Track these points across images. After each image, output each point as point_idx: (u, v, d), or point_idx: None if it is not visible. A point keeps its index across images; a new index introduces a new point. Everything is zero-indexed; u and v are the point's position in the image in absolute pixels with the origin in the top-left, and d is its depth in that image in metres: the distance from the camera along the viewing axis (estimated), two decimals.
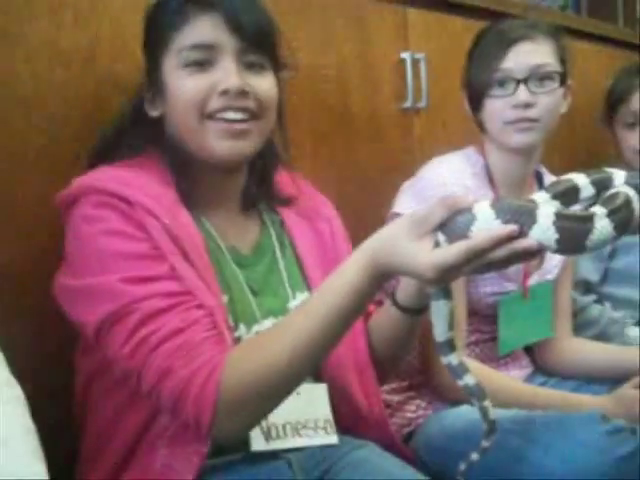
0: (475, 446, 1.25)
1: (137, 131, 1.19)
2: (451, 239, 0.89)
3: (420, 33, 1.98)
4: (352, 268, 0.98)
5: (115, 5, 1.36)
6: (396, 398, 1.55)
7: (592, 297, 1.91)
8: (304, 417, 1.16)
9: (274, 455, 1.14)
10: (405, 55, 1.92)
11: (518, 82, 1.52)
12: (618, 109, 1.98)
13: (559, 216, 0.85)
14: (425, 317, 1.18)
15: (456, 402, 1.46)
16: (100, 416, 1.12)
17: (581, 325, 1.84)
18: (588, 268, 1.90)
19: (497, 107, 1.53)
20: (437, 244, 0.91)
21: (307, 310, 1.01)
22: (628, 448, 1.21)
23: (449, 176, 1.52)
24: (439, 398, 1.50)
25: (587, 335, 1.81)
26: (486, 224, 0.87)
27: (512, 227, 0.86)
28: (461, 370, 1.03)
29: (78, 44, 1.31)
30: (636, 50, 2.79)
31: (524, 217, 0.86)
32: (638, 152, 1.97)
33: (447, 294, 0.99)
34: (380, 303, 1.30)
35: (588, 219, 0.87)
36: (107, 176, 1.10)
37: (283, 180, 1.30)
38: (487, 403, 1.03)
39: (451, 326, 1.01)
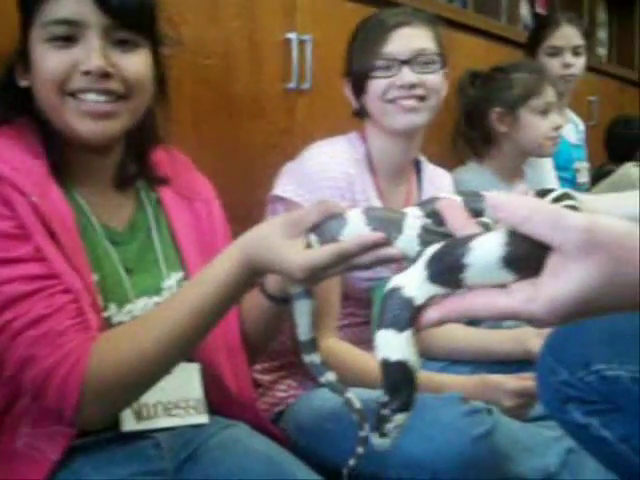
0: (343, 427, 1.30)
1: (7, 100, 1.15)
2: (322, 241, 0.93)
3: (308, 15, 2.01)
4: (226, 261, 1.00)
5: None
6: (267, 378, 1.57)
7: None
8: (176, 397, 1.17)
9: (142, 435, 1.14)
10: (291, 36, 1.94)
11: (402, 63, 1.55)
12: (528, 101, 2.12)
13: (425, 230, 0.87)
14: None
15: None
16: None
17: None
18: None
19: (381, 87, 1.57)
20: (309, 245, 0.94)
21: (178, 301, 1.02)
22: (484, 428, 1.27)
23: (331, 162, 1.54)
24: (310, 378, 1.51)
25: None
26: (356, 229, 0.90)
27: (379, 235, 0.89)
28: (323, 369, 1.06)
29: None
30: (518, 47, 2.88)
31: (391, 226, 0.88)
32: (549, 138, 2.15)
33: (309, 294, 1.01)
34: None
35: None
36: None
37: (161, 159, 1.29)
38: (350, 395, 1.06)
39: (313, 325, 1.03)
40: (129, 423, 1.11)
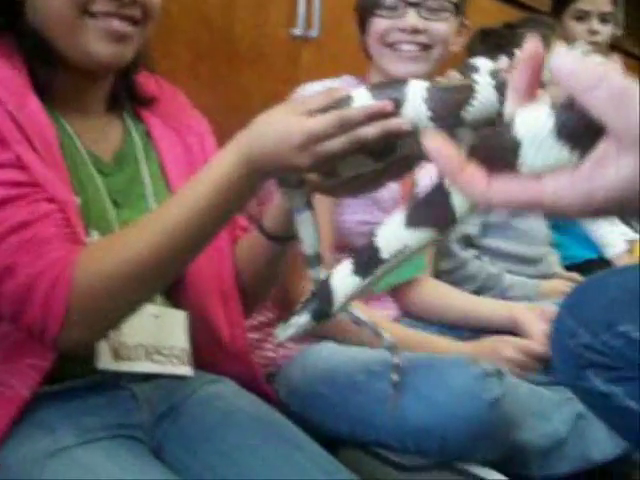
0: (337, 391, 1.27)
1: None
2: None
3: None
4: (224, 160, 0.92)
5: None
6: (255, 336, 1.49)
7: (472, 252, 1.90)
8: (159, 342, 1.09)
9: (118, 385, 1.07)
10: None
11: (408, 4, 1.45)
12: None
13: (430, 90, 0.83)
14: (292, 250, 1.14)
15: (317, 338, 1.42)
16: None
17: (460, 280, 1.84)
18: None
19: (382, 27, 1.48)
20: None
21: (172, 203, 0.94)
22: (496, 392, 1.18)
23: None
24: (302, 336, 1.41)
25: (466, 290, 1.79)
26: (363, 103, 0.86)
27: (385, 102, 0.84)
28: (319, 262, 1.01)
29: None
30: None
31: (395, 94, 0.84)
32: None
33: (310, 204, 0.98)
34: (246, 230, 1.25)
35: (464, 89, 0.84)
36: None
37: (146, 81, 1.21)
38: (356, 311, 1.06)
39: (319, 238, 0.99)
40: (105, 361, 1.03)
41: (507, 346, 1.45)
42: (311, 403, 1.31)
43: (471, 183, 0.53)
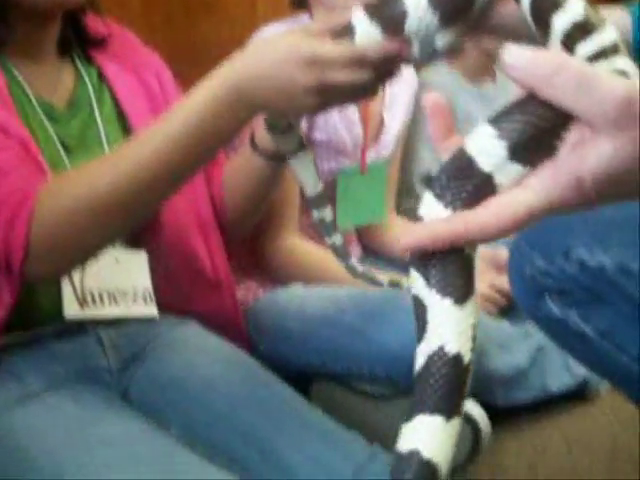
0: (308, 326, 1.29)
1: None
2: None
3: None
4: (201, 93, 0.85)
5: None
6: None
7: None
8: (122, 285, 1.10)
9: (84, 331, 1.07)
10: None
11: None
12: None
13: None
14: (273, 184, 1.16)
15: (287, 283, 1.43)
16: None
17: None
18: (430, 160, 1.86)
19: None
20: None
21: (141, 137, 0.90)
22: None
23: None
24: (270, 279, 1.45)
25: None
26: (366, 32, 0.80)
27: (399, 44, 0.79)
28: (332, 228, 1.01)
29: None
30: None
31: (396, 10, 0.78)
32: None
33: (303, 145, 0.96)
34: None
35: None
36: None
37: (93, 24, 1.18)
38: (354, 262, 1.06)
39: (319, 179, 0.98)
40: (72, 309, 1.03)
41: (480, 282, 1.47)
42: (282, 340, 1.33)
43: None
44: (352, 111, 1.51)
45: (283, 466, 0.97)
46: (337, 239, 1.02)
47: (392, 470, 0.49)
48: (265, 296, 1.43)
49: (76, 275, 1.04)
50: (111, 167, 0.88)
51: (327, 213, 0.99)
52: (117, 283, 1.09)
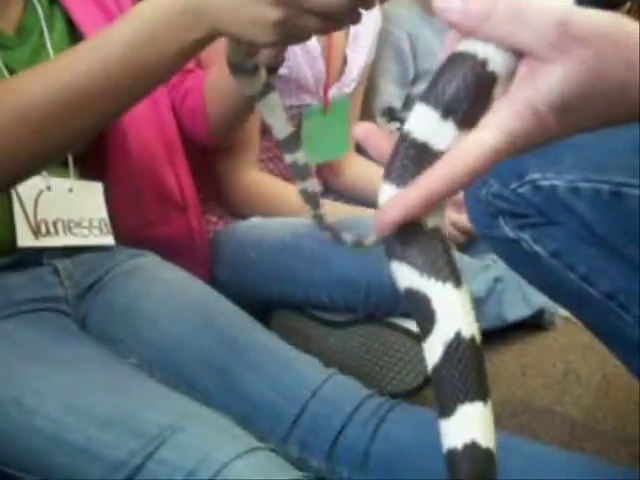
0: (267, 255, 1.30)
1: None
2: None
3: None
4: (160, 27, 0.77)
5: None
6: None
7: (396, 125, 1.88)
8: (77, 215, 1.09)
9: (39, 262, 1.06)
10: None
11: None
12: None
13: None
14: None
15: (247, 216, 1.44)
16: None
17: None
18: (391, 94, 1.85)
19: None
20: None
21: (84, 45, 0.82)
22: None
23: None
24: (230, 213, 1.44)
25: None
26: None
27: None
28: (306, 172, 0.97)
29: None
30: None
31: None
32: None
33: (270, 87, 0.91)
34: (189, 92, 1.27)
35: None
36: None
37: None
38: (321, 211, 1.02)
39: (288, 120, 0.94)
40: (26, 239, 1.02)
41: None
42: (242, 270, 1.33)
43: None
44: (314, 47, 1.49)
45: (241, 390, 0.98)
46: (310, 184, 0.97)
47: (452, 471, 0.47)
48: (225, 228, 1.43)
49: (28, 205, 1.03)
50: (46, 74, 0.81)
51: (299, 155, 0.95)
52: (71, 213, 1.08)
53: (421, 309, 0.48)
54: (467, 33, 0.47)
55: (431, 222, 0.48)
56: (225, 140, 1.34)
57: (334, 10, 0.72)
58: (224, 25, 0.75)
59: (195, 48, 0.78)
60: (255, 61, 0.87)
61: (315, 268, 1.24)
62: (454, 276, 0.48)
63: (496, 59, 0.47)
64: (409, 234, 0.48)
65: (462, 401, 0.47)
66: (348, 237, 1.08)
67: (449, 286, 0.48)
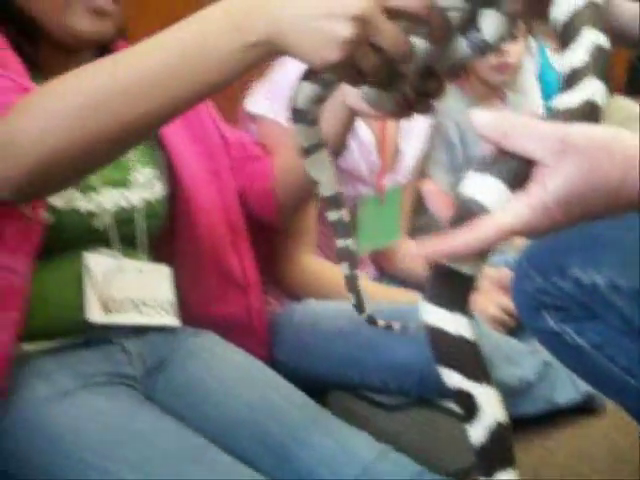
0: (325, 340, 1.34)
1: None
2: None
3: None
4: (214, 20, 0.75)
5: None
6: None
7: None
8: (145, 295, 1.16)
9: (108, 341, 1.14)
10: None
11: None
12: None
13: None
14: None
15: (304, 299, 1.50)
16: None
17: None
18: (441, 181, 1.93)
19: None
20: None
21: (136, 49, 0.79)
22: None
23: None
24: (287, 295, 1.52)
25: None
26: None
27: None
28: (348, 230, 0.97)
29: None
30: None
31: None
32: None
33: (323, 142, 0.91)
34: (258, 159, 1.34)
35: None
36: None
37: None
38: (358, 272, 1.00)
39: (335, 178, 0.94)
40: (95, 314, 1.09)
41: (490, 304, 1.55)
42: (299, 351, 1.38)
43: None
44: (369, 140, 1.58)
45: (295, 468, 1.02)
46: (350, 243, 0.97)
47: None
48: (282, 310, 1.49)
49: (100, 283, 1.10)
50: (100, 72, 0.80)
51: (350, 242, 0.96)
52: (140, 293, 1.15)
53: (467, 403, 0.65)
54: (493, 145, 0.62)
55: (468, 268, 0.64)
56: (292, 220, 1.40)
57: (400, 47, 0.72)
58: (281, 33, 0.72)
59: (248, 56, 0.74)
60: (318, 111, 0.86)
61: (369, 353, 1.29)
62: (488, 376, 0.65)
63: None
64: (455, 350, 0.66)
65: (501, 470, 0.64)
66: (395, 325, 1.12)
67: (487, 386, 0.65)
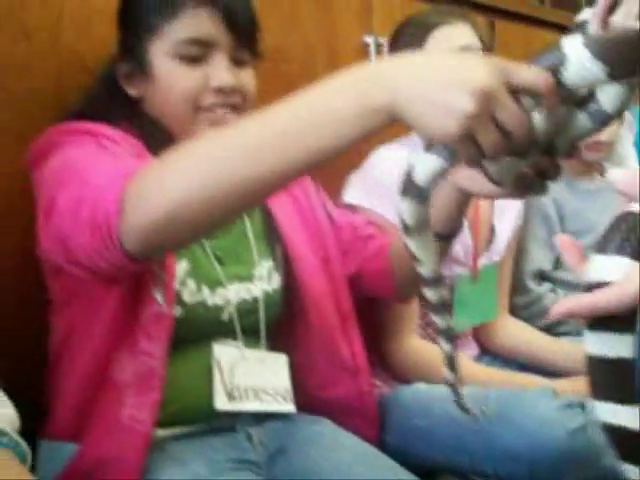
0: (435, 423, 1.37)
1: (110, 103, 1.22)
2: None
3: (385, 17, 1.98)
4: (341, 87, 0.77)
5: None
6: None
7: (546, 287, 1.95)
8: (265, 383, 1.23)
9: (233, 429, 1.20)
10: (369, 39, 1.93)
11: None
12: None
13: (594, 43, 0.71)
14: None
15: (411, 382, 1.53)
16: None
17: (535, 315, 1.89)
18: (540, 257, 1.94)
19: None
20: None
21: (259, 118, 0.82)
22: (579, 421, 1.27)
23: (396, 167, 1.51)
24: (394, 377, 1.55)
25: (541, 324, 1.85)
26: (579, 64, 0.72)
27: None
28: (447, 309, 0.96)
29: (42, 20, 1.32)
30: None
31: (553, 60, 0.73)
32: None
33: (429, 223, 0.87)
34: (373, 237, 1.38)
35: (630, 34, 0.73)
36: (78, 124, 1.14)
37: None
38: (456, 352, 0.99)
39: (439, 259, 0.93)
40: (221, 402, 1.16)
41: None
42: (408, 434, 1.41)
43: None
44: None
45: None
46: (448, 321, 0.97)
47: None
48: (390, 393, 1.52)
49: (226, 373, 1.18)
50: (227, 133, 0.84)
51: (444, 294, 0.94)
52: (261, 381, 1.22)
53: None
54: (630, 199, 0.64)
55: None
56: (411, 295, 1.42)
57: (522, 124, 0.73)
58: (404, 102, 0.73)
59: (369, 122, 0.75)
60: (432, 188, 0.82)
61: (479, 439, 1.31)
62: None
63: None
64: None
65: None
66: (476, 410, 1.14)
67: None
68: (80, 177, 0.98)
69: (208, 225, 0.87)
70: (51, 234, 1.01)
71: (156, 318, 1.09)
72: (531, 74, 0.72)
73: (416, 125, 0.74)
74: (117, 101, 1.21)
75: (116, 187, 0.89)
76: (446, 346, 0.96)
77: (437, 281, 0.92)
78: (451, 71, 0.72)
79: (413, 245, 0.88)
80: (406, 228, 0.86)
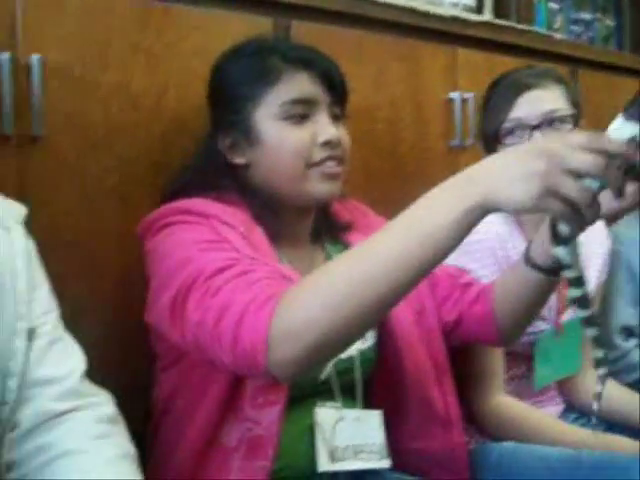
0: None
1: (215, 174, 1.29)
2: None
3: (469, 73, 2.04)
4: (438, 196, 0.90)
5: (184, 50, 1.47)
6: None
7: (634, 342, 1.95)
8: (363, 441, 1.27)
9: None
10: (454, 95, 1.99)
11: (532, 128, 1.54)
12: None
13: None
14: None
15: (495, 437, 1.54)
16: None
17: (623, 370, 1.89)
18: (627, 313, 1.93)
19: None
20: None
21: (375, 239, 0.94)
22: None
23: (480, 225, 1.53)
24: (480, 433, 1.55)
25: (628, 380, 1.85)
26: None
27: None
28: (590, 303, 1.03)
29: (148, 89, 1.42)
30: None
31: None
32: None
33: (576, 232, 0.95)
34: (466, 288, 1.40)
35: None
36: (185, 201, 1.22)
37: (339, 209, 1.42)
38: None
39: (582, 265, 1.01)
40: (324, 464, 1.22)
41: None
42: None
43: None
44: None
45: None
46: (593, 313, 1.03)
47: None
48: (478, 448, 1.53)
49: (328, 433, 1.23)
50: (349, 264, 0.93)
51: (586, 291, 1.00)
52: (358, 439, 1.27)
53: None
54: None
55: None
56: (516, 339, 1.42)
57: (589, 168, 0.81)
58: (495, 191, 0.85)
59: (466, 221, 0.87)
60: (573, 229, 0.92)
61: None
62: None
63: None
64: None
65: None
66: None
67: None
68: (210, 283, 1.04)
69: (349, 342, 0.99)
70: (181, 330, 1.07)
71: (266, 388, 1.15)
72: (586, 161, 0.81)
73: (509, 206, 0.85)
74: (222, 172, 1.29)
75: (261, 315, 0.95)
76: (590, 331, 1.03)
77: (580, 280, 0.99)
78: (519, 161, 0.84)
79: (564, 252, 0.95)
80: (558, 236, 0.94)
